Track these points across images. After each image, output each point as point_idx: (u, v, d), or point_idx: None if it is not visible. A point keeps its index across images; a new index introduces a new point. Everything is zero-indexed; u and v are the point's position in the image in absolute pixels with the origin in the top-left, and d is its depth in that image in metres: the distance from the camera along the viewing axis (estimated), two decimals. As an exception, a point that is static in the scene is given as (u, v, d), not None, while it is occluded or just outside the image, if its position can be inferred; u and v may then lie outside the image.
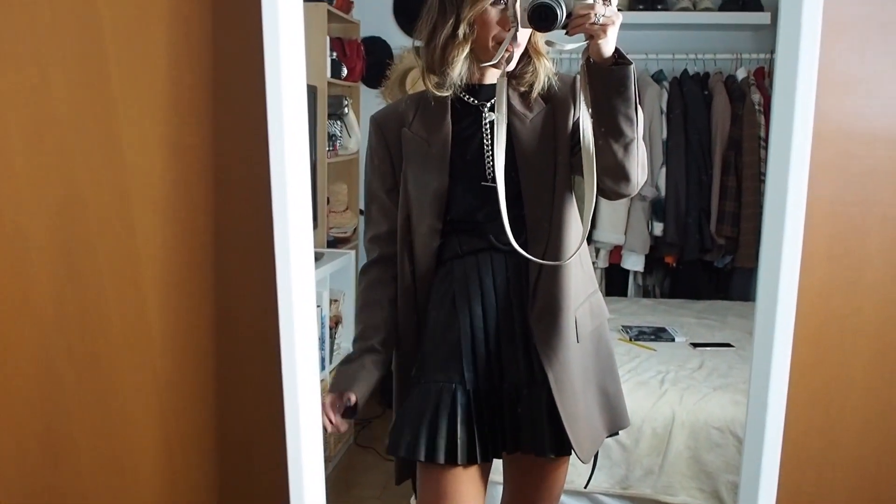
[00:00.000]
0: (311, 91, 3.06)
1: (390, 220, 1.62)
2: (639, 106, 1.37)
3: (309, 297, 1.09)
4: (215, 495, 1.16)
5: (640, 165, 1.43)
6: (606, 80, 1.34)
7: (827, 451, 1.47)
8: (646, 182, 1.51)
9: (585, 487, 1.73)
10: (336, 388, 1.57)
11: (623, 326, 3.06)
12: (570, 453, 1.56)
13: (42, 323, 1.17)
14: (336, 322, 3.26)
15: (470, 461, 1.50)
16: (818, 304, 1.38)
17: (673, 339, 2.96)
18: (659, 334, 3.01)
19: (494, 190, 1.44)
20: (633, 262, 3.58)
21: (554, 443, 1.52)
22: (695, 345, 2.90)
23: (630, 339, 2.94)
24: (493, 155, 1.50)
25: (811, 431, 1.44)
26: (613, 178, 1.43)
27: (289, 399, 1.13)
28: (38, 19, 1.07)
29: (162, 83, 1.03)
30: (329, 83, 3.34)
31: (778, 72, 1.29)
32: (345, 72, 3.53)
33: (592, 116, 1.39)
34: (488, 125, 1.53)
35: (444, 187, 1.53)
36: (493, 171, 1.47)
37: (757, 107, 3.38)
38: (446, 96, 1.51)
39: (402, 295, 1.62)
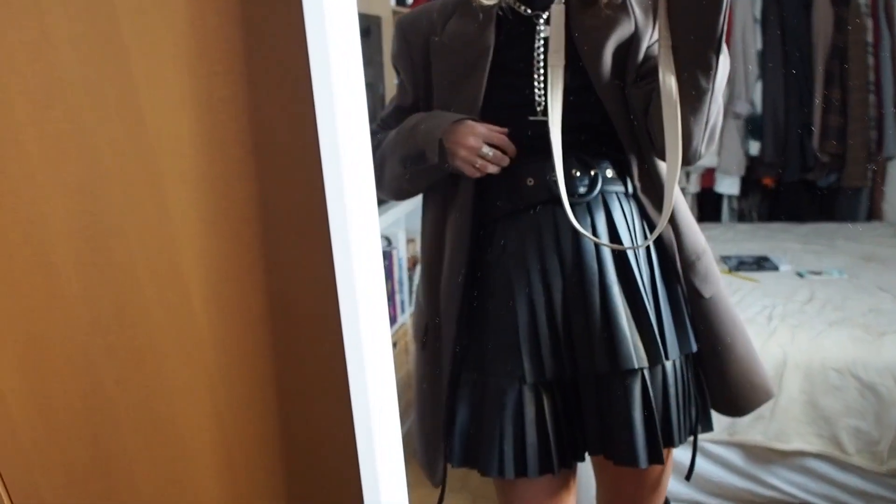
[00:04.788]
0: (376, 22, 2.87)
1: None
2: (723, 50, 1.04)
3: (377, 274, 0.91)
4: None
5: (707, 129, 1.10)
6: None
7: None
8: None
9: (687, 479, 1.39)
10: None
11: (721, 256, 2.82)
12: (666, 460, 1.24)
13: (76, 320, 1.02)
14: (414, 263, 3.20)
15: (543, 471, 1.23)
16: None
17: (777, 269, 2.72)
18: (761, 263, 2.76)
19: (545, 127, 1.13)
20: (728, 186, 3.39)
21: (650, 448, 1.21)
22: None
23: (730, 271, 2.72)
24: (545, 87, 1.17)
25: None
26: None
27: (356, 395, 0.96)
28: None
29: (181, 26, 0.85)
30: (394, 12, 3.15)
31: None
32: (410, 0, 3.33)
33: (662, 48, 1.06)
34: (542, 42, 1.20)
35: (476, 109, 1.19)
36: (545, 103, 1.15)
37: (864, 9, 3.06)
38: (493, 5, 1.20)
39: (431, 271, 1.29)
